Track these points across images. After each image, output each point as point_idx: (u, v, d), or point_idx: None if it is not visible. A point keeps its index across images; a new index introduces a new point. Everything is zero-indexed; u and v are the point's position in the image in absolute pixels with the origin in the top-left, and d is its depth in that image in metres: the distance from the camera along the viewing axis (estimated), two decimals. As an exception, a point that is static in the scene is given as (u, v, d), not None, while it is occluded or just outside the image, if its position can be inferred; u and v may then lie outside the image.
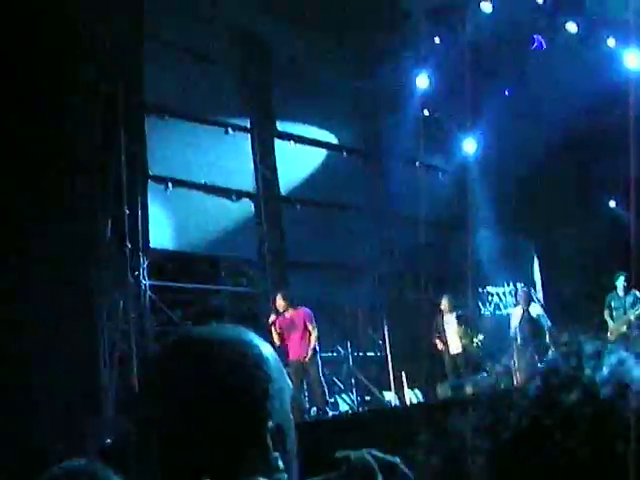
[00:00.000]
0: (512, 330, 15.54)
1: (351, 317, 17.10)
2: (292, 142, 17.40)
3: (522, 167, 18.76)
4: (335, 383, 15.65)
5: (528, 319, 15.43)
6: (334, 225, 17.13)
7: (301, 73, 17.01)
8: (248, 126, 16.72)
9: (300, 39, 16.63)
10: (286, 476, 1.58)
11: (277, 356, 1.66)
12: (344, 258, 16.86)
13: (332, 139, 18.28)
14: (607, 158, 17.92)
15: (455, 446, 1.15)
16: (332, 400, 14.75)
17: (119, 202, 13.64)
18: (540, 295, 19.95)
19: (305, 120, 17.64)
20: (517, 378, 14.68)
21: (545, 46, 17.66)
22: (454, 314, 15.32)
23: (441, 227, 18.98)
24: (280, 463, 1.54)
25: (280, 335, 13.08)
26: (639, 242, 13.38)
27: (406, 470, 1.57)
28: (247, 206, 16.33)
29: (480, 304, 19.03)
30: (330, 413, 13.65)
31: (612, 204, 20.70)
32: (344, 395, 15.82)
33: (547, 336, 15.46)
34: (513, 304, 17.05)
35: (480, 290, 19.05)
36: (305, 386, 13.64)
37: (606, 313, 15.38)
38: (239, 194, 16.14)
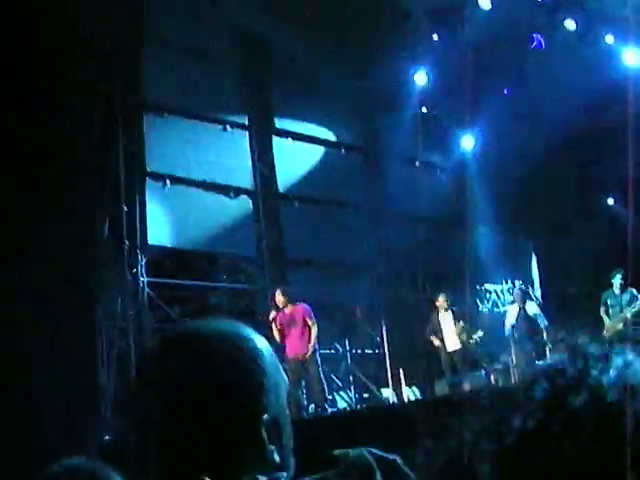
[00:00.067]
0: (507, 328, 15.57)
1: (349, 314, 17.10)
2: (290, 139, 17.41)
3: (520, 165, 18.74)
4: (333, 380, 15.65)
5: (524, 317, 15.46)
6: (332, 222, 17.13)
7: (299, 71, 17.01)
8: (246, 123, 16.72)
9: (299, 37, 16.62)
10: (285, 474, 1.58)
11: (273, 350, 1.66)
12: (342, 255, 16.86)
13: (330, 136, 18.27)
14: (606, 156, 17.93)
15: (457, 447, 1.15)
16: (330, 397, 14.75)
17: (117, 199, 13.64)
18: (538, 293, 19.98)
19: (303, 117, 17.63)
20: (515, 376, 14.70)
21: (544, 45, 17.66)
22: (450, 311, 15.33)
23: (439, 224, 18.99)
24: (276, 457, 1.54)
25: (280, 331, 13.10)
26: (637, 240, 13.36)
27: (405, 468, 1.57)
28: (245, 203, 16.33)
29: (478, 301, 19.06)
30: (329, 410, 13.66)
31: (610, 202, 20.72)
32: (342, 392, 15.84)
33: (544, 334, 15.48)
34: (510, 302, 17.07)
35: (478, 287, 19.07)
36: (303, 383, 13.65)
37: (602, 310, 15.40)
38: (237, 191, 16.14)
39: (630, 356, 1.13)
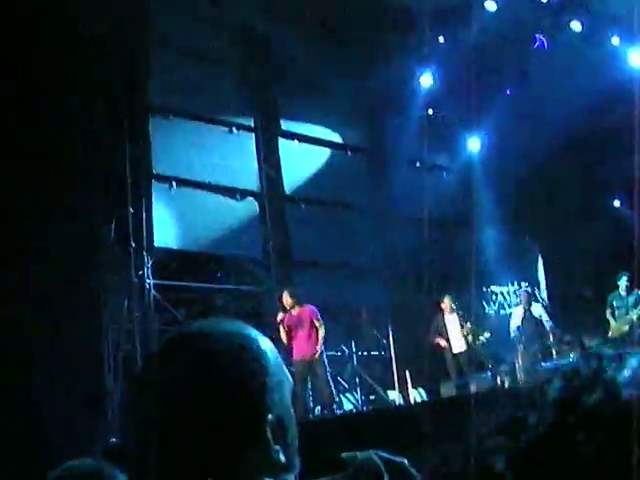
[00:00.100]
0: (512, 329, 15.55)
1: (355, 316, 17.10)
2: (296, 141, 17.42)
3: (526, 166, 18.74)
4: (339, 382, 15.64)
5: (530, 319, 15.44)
6: (338, 224, 17.13)
7: (305, 73, 17.02)
8: (252, 125, 16.74)
9: (304, 39, 16.63)
10: (292, 477, 1.58)
11: (277, 351, 1.66)
12: (348, 257, 16.86)
13: (336, 138, 18.28)
14: (611, 157, 17.91)
15: (473, 446, 1.15)
16: (336, 399, 14.74)
17: (123, 201, 13.65)
18: (545, 295, 19.96)
19: (309, 119, 17.64)
20: (521, 378, 14.68)
21: (547, 45, 17.65)
22: (455, 313, 15.32)
23: (445, 226, 18.96)
24: (282, 457, 1.54)
25: (288, 333, 13.11)
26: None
27: (413, 471, 1.57)
28: (251, 205, 16.34)
29: (484, 303, 19.03)
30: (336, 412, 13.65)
31: (616, 204, 20.69)
32: (348, 394, 15.82)
33: (550, 336, 15.48)
34: (516, 304, 17.05)
35: (484, 289, 19.05)
36: (310, 385, 13.65)
37: (608, 312, 15.40)
38: (243, 193, 16.15)
39: None
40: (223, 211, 15.63)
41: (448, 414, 9.91)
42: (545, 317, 15.64)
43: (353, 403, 15.70)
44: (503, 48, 17.22)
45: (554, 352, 15.61)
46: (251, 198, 16.34)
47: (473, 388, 14.31)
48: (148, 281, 13.98)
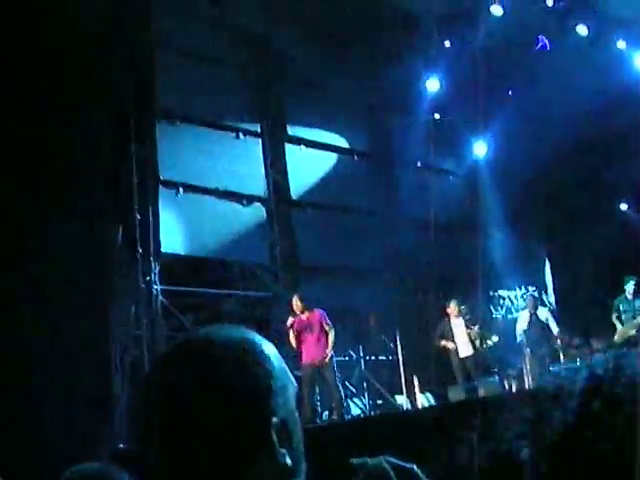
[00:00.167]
0: (518, 334, 15.54)
1: (362, 321, 17.09)
2: (303, 146, 17.44)
3: (533, 170, 18.73)
4: (347, 387, 15.63)
5: (536, 323, 15.43)
6: (345, 229, 17.13)
7: (312, 78, 17.05)
8: (259, 131, 16.77)
9: (312, 46, 16.66)
10: (302, 480, 1.58)
11: (280, 355, 1.66)
12: (355, 261, 16.86)
13: (342, 143, 18.30)
14: (618, 161, 17.89)
15: (501, 444, 1.18)
16: (344, 404, 14.73)
17: (130, 207, 13.66)
18: (552, 298, 19.94)
19: (316, 124, 17.66)
20: (528, 382, 14.65)
21: (549, 46, 17.66)
22: (461, 318, 15.30)
23: (452, 230, 18.95)
24: (288, 460, 1.54)
25: (297, 337, 13.12)
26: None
27: (423, 477, 1.57)
28: (258, 210, 16.36)
29: (492, 307, 19.02)
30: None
31: (623, 207, 20.67)
32: (356, 399, 15.81)
33: (558, 340, 15.46)
34: (522, 308, 17.04)
35: (492, 293, 19.04)
36: (318, 389, 13.64)
37: (614, 316, 15.38)
38: (250, 198, 16.17)
39: None
40: (230, 216, 15.65)
41: (460, 417, 9.89)
42: (552, 321, 15.62)
43: (361, 408, 15.69)
44: (509, 52, 17.22)
45: (562, 356, 15.60)
46: (258, 203, 16.36)
47: (481, 392, 14.27)
48: (155, 287, 13.98)
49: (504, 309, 19.34)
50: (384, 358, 17.06)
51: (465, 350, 15.13)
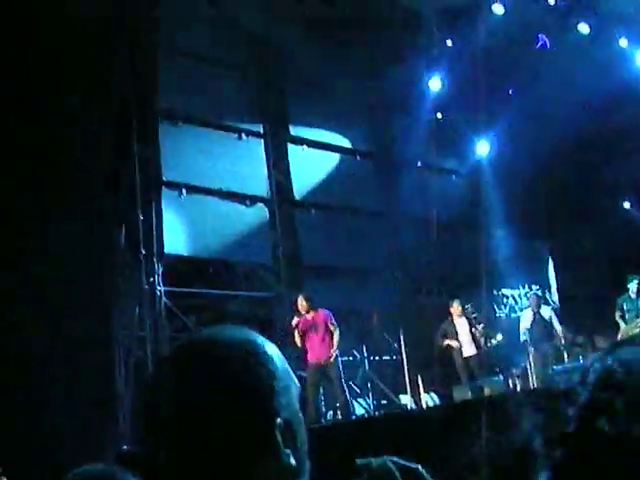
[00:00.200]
0: (522, 332, 15.53)
1: (366, 321, 17.08)
2: (305, 147, 17.45)
3: (535, 168, 18.73)
4: (351, 387, 15.62)
5: (539, 321, 15.43)
6: (348, 229, 17.14)
7: (314, 78, 17.05)
8: (261, 131, 16.78)
9: (313, 46, 16.65)
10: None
11: (282, 355, 1.66)
12: (359, 261, 16.87)
13: (345, 143, 18.31)
14: (620, 159, 17.90)
15: (519, 442, 1.22)
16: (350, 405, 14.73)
17: (133, 208, 13.66)
18: (555, 297, 19.94)
19: (318, 125, 17.67)
20: (532, 381, 14.64)
21: (550, 45, 17.65)
22: (464, 317, 15.29)
23: (455, 230, 18.95)
24: (292, 460, 1.54)
25: (302, 337, 13.11)
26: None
27: (428, 477, 1.57)
28: (261, 211, 16.37)
29: (495, 306, 19.02)
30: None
31: (626, 205, 20.66)
32: (360, 399, 15.79)
33: (562, 339, 15.46)
34: (526, 306, 17.04)
35: (495, 292, 19.04)
36: (322, 390, 13.64)
37: (617, 315, 15.35)
38: (253, 199, 16.18)
39: None
40: (233, 217, 15.66)
41: (466, 417, 9.90)
42: (555, 319, 15.62)
43: (365, 408, 15.68)
44: (511, 51, 17.21)
45: (565, 355, 15.59)
46: (261, 204, 16.37)
47: (487, 391, 14.26)
48: (159, 288, 13.99)
49: (507, 308, 19.35)
50: (388, 358, 17.06)
51: (468, 349, 15.13)
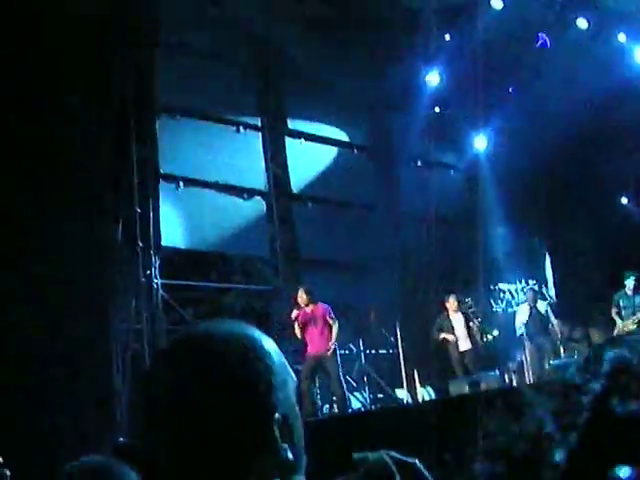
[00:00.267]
0: (518, 327, 15.55)
1: (363, 315, 17.07)
2: (303, 140, 17.44)
3: (533, 164, 18.73)
4: (348, 381, 15.63)
5: (536, 316, 15.44)
6: (345, 223, 17.14)
7: (311, 71, 17.03)
8: (259, 124, 16.77)
9: (310, 39, 16.63)
10: (303, 478, 1.58)
11: (279, 350, 1.67)
12: (356, 255, 16.86)
13: (343, 137, 18.31)
14: (618, 155, 17.90)
15: (533, 432, 1.22)
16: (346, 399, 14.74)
17: (130, 201, 13.64)
18: (552, 292, 19.96)
19: (316, 118, 17.67)
20: (529, 375, 14.67)
21: (552, 43, 17.64)
22: (459, 312, 15.30)
23: (453, 224, 18.95)
24: (290, 455, 1.54)
25: (301, 330, 13.12)
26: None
27: (425, 472, 1.57)
28: (258, 204, 16.36)
29: (492, 301, 19.03)
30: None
31: (624, 201, 20.66)
32: (356, 393, 15.80)
33: (558, 334, 15.48)
34: (523, 301, 17.05)
35: (492, 287, 19.04)
36: (318, 383, 13.65)
37: (614, 311, 15.34)
38: (250, 192, 16.18)
39: None
40: (230, 210, 15.66)
41: (463, 411, 9.91)
42: (551, 314, 15.64)
43: (361, 402, 15.68)
44: (509, 46, 17.20)
45: (562, 349, 15.61)
46: (258, 197, 16.37)
47: (483, 386, 14.28)
48: (156, 281, 13.99)
49: (504, 303, 19.36)
50: (384, 352, 17.05)
51: (464, 344, 15.13)
